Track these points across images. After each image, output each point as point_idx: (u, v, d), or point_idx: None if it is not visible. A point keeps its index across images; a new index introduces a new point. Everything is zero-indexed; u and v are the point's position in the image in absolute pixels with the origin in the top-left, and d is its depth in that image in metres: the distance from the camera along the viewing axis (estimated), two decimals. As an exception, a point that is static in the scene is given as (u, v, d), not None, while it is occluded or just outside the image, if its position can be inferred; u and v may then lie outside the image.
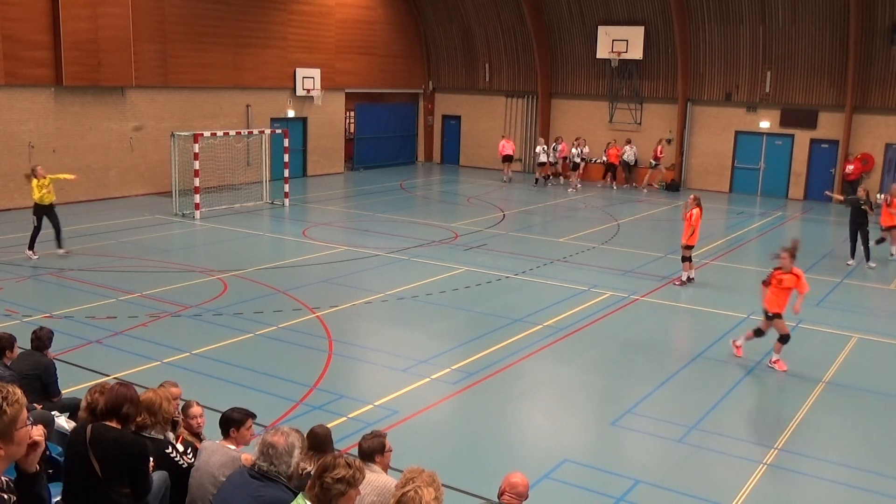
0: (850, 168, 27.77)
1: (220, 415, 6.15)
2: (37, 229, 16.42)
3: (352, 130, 32.82)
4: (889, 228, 19.10)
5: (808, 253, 20.03)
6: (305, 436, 5.72)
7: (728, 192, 30.23)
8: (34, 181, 16.36)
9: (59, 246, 16.79)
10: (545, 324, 13.20)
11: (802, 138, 29.29)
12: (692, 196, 16.11)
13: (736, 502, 7.83)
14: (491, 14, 33.27)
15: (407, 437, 8.76)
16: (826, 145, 28.81)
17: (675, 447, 9.03)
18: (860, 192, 19.44)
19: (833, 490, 8.27)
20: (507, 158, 31.45)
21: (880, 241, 19.31)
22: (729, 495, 7.93)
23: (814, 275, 17.61)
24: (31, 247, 16.47)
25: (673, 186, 30.33)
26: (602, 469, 8.48)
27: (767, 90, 29.39)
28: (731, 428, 9.64)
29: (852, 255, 18.61)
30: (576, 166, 30.49)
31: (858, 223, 18.39)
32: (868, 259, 18.31)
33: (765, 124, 29.77)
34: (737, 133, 30.38)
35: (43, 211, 16.44)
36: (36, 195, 16.37)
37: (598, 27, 31.03)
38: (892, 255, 19.31)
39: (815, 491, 8.30)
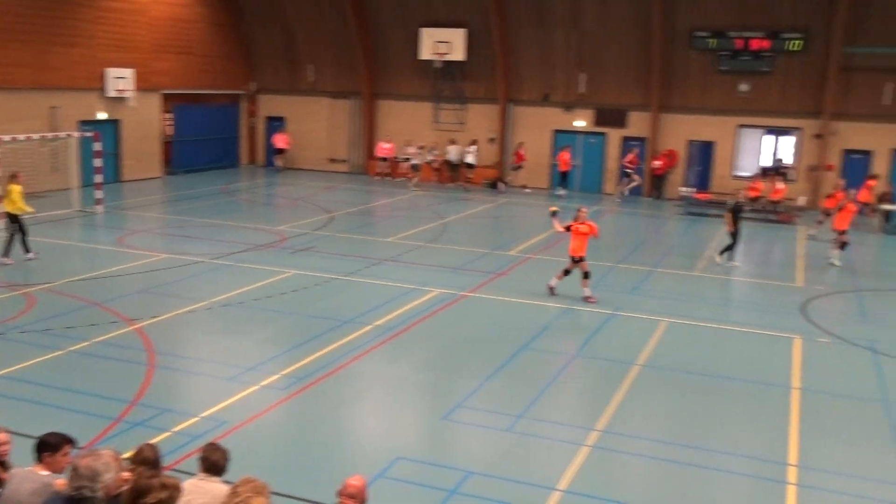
0: (657, 163, 29.66)
1: (35, 441, 5.69)
2: None
3: (170, 133, 31.48)
4: (842, 232, 19.30)
5: (622, 245, 21.23)
6: (135, 453, 5.44)
7: (546, 189, 31.43)
8: None
9: None
10: (375, 324, 13.21)
11: (614, 136, 30.96)
12: (581, 210, 15.64)
13: (562, 484, 8.15)
14: (313, 14, 32.93)
15: (238, 448, 8.44)
16: (635, 143, 30.59)
17: (504, 436, 9.29)
18: (740, 196, 20.14)
19: (651, 465, 8.78)
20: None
21: (842, 245, 19.44)
22: (555, 478, 8.25)
23: (629, 265, 18.68)
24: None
25: (494, 185, 31.20)
26: (434, 463, 8.58)
27: (582, 91, 30.84)
28: (556, 414, 10.04)
29: (722, 253, 19.17)
30: (416, 168, 30.86)
31: (737, 224, 18.76)
32: (722, 255, 19.13)
33: (580, 123, 31.24)
34: (554, 132, 31.68)
35: None
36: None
37: (421, 29, 31.43)
38: (834, 259, 19.41)
39: (635, 466, 8.77)
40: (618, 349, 12.51)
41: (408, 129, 33.12)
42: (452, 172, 31.83)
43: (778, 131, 29.51)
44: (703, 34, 28.63)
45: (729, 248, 18.88)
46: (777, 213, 26.05)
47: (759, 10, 27.87)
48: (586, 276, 14.96)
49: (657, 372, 11.60)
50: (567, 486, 8.14)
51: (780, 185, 26.38)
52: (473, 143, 31.51)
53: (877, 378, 11.67)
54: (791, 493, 8.19)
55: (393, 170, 32.87)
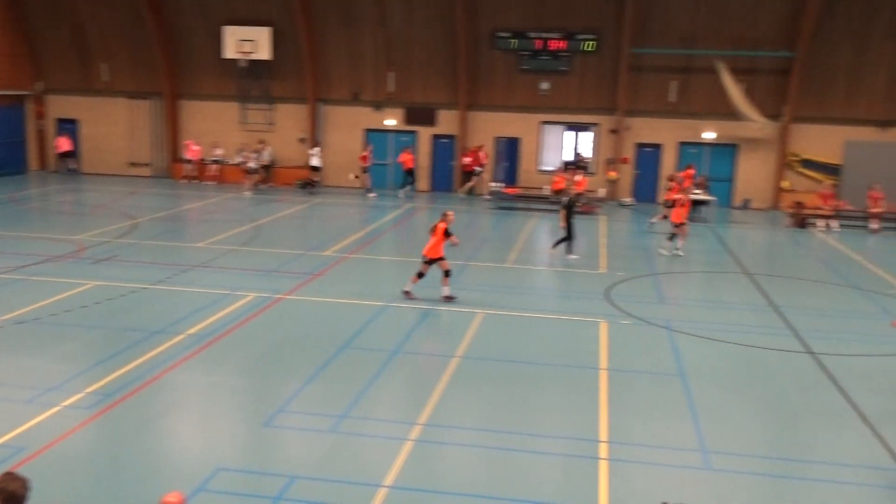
0: (467, 160, 30.45)
1: None
2: None
3: (-54, 138, 28.74)
4: (679, 225, 20.32)
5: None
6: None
7: (357, 188, 31.46)
8: None
9: None
10: (188, 332, 12.68)
11: (425, 134, 31.47)
12: (446, 213, 15.50)
13: (388, 480, 8.18)
14: (104, 9, 31.07)
15: (40, 475, 7.85)
16: (446, 140, 31.25)
17: (328, 437, 9.19)
18: (571, 193, 20.62)
19: (473, 453, 8.99)
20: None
21: (672, 236, 20.49)
22: (381, 474, 8.26)
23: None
24: None
25: (306, 185, 30.87)
26: (257, 471, 8.35)
27: (391, 90, 31.09)
28: (379, 411, 10.06)
29: (556, 246, 19.85)
30: (253, 171, 29.86)
31: (570, 219, 19.45)
32: (557, 249, 19.82)
33: (391, 122, 31.48)
34: (366, 131, 31.74)
35: None
36: None
37: (223, 27, 30.49)
38: (677, 249, 20.37)
39: (458, 456, 8.95)
40: (437, 343, 12.73)
41: (214, 130, 32.09)
42: (265, 174, 31.13)
43: (578, 127, 31.10)
44: (505, 35, 29.68)
45: (563, 241, 19.61)
46: (579, 205, 27.44)
47: (555, 12, 29.25)
48: (447, 274, 15.07)
49: (475, 362, 11.90)
50: (393, 481, 8.18)
51: (581, 178, 27.81)
52: (316, 145, 30.85)
53: (673, 354, 12.57)
54: (603, 467, 8.66)
55: (200, 173, 31.70)
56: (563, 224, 19.51)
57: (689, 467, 8.79)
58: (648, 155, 30.38)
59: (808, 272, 19.33)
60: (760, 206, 29.41)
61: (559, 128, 31.26)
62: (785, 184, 29.28)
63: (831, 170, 28.80)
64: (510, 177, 30.79)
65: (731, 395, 10.97)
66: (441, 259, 15.00)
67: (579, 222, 25.34)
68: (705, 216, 26.55)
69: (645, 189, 30.46)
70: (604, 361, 12.11)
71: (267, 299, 14.79)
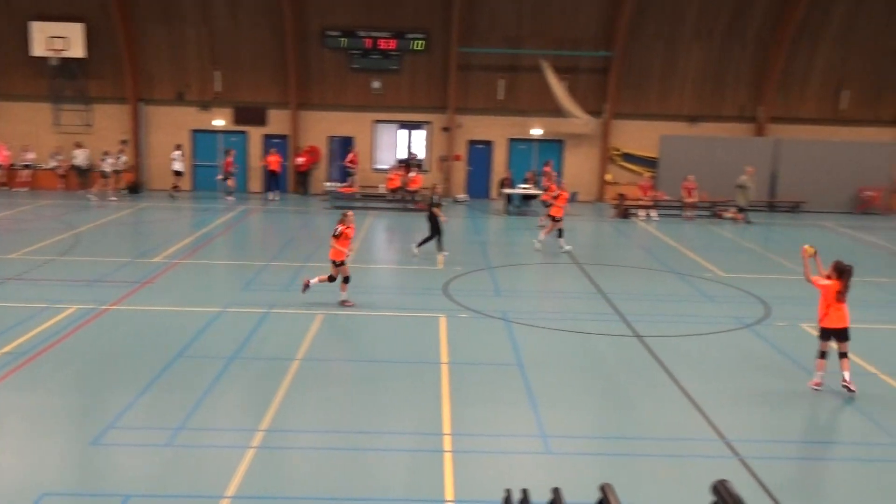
0: (300, 160, 30.01)
1: None
2: None
3: None
4: (556, 220, 20.51)
5: (273, 243, 21.14)
6: None
7: (190, 190, 30.33)
8: None
9: None
10: (3, 351, 11.73)
11: (256, 134, 30.74)
12: (345, 213, 15.12)
13: (230, 490, 7.89)
14: None
15: None
16: (278, 140, 30.65)
17: (164, 451, 8.76)
18: (436, 192, 20.42)
19: (318, 456, 8.83)
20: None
21: (560, 232, 20.67)
22: (223, 485, 7.96)
23: (281, 262, 18.66)
24: None
25: (134, 189, 29.43)
26: (88, 493, 7.83)
27: (218, 89, 30.12)
28: (218, 420, 9.70)
29: (420, 246, 19.70)
30: (105, 175, 27.88)
31: (434, 218, 19.45)
32: (441, 249, 19.71)
33: (219, 122, 30.52)
34: (193, 132, 30.61)
35: None
36: None
37: (30, 23, 28.48)
38: (561, 246, 20.70)
39: (302, 460, 8.76)
40: (276, 346, 12.43)
41: (24, 133, 29.93)
42: (82, 178, 29.36)
43: (410, 125, 31.36)
44: (335, 33, 29.48)
45: (427, 241, 19.60)
46: (415, 202, 27.69)
47: (384, 11, 29.35)
48: (346, 280, 14.76)
49: (317, 364, 11.72)
50: (235, 491, 7.90)
51: (415, 176, 28.09)
52: (178, 147, 29.17)
53: (511, 344, 12.90)
54: (448, 460, 8.74)
55: (10, 179, 29.50)
56: (444, 219, 19.69)
57: (530, 453, 9.04)
58: (480, 152, 31.11)
59: (631, 260, 20.41)
60: (586, 198, 30.78)
61: (393, 126, 31.40)
62: (608, 177, 30.81)
63: (649, 163, 30.57)
64: (345, 176, 30.62)
65: (566, 381, 11.38)
66: (343, 263, 14.63)
67: (416, 220, 25.57)
68: (536, 209, 27.46)
69: (478, 185, 31.16)
70: (444, 355, 12.25)
71: (91, 311, 13.93)
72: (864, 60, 30.00)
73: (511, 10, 29.17)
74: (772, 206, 30.23)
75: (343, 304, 14.80)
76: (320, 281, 14.86)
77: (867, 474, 8.87)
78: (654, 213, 27.51)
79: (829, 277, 11.33)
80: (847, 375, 10.99)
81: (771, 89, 29.93)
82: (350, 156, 29.90)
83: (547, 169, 27.98)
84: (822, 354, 11.25)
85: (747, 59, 29.95)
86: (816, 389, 11.18)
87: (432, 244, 19.69)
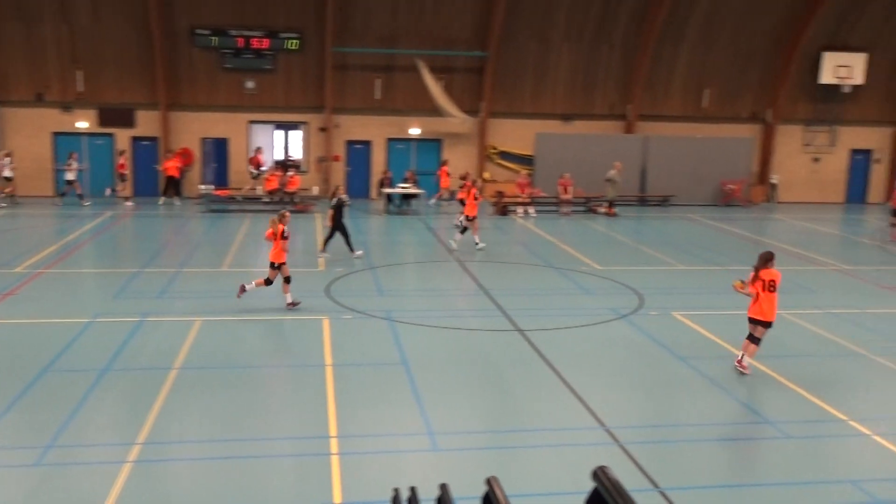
0: (171, 164, 29.02)
1: None
2: None
3: None
4: (472, 219, 20.68)
5: (145, 249, 20.40)
6: None
7: (49, 196, 28.84)
8: None
9: None
10: None
11: (123, 136, 29.53)
12: (283, 213, 14.76)
13: (106, 510, 7.54)
14: None
15: None
16: (147, 142, 29.55)
17: (33, 472, 8.27)
18: (339, 192, 19.94)
19: (200, 466, 8.55)
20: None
21: (464, 230, 20.87)
22: (99, 503, 7.60)
23: (154, 269, 17.99)
24: None
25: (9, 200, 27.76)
26: (-54, 523, 7.31)
27: (81, 90, 28.77)
28: (92, 435, 9.24)
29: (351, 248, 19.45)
30: (8, 179, 25.90)
31: (342, 219, 19.30)
32: (353, 250, 19.38)
33: (83, 124, 29.16)
34: (54, 135, 29.13)
35: None
36: None
37: None
38: (476, 243, 20.83)
39: (184, 471, 8.47)
40: (152, 356, 11.96)
41: None
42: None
43: (287, 126, 30.87)
44: (205, 32, 28.67)
45: (330, 240, 19.54)
46: (294, 204, 27.29)
47: (256, 9, 28.77)
48: (287, 280, 14.58)
49: (195, 373, 11.36)
50: (112, 509, 7.55)
51: (294, 177, 27.67)
52: (8, 155, 27.31)
53: (395, 344, 12.89)
54: (335, 462, 8.64)
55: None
56: (329, 223, 19.48)
57: (417, 451, 9.05)
58: (359, 152, 30.95)
59: (511, 256, 20.77)
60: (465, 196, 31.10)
61: (269, 127, 30.82)
62: (486, 175, 31.24)
63: (526, 160, 31.21)
64: (220, 178, 29.84)
65: (451, 378, 11.46)
66: (283, 264, 14.46)
67: (295, 222, 25.19)
68: (416, 208, 27.57)
69: (358, 185, 30.99)
70: (328, 357, 12.11)
71: (-54, 326, 13.02)
72: (723, 61, 31.59)
73: (385, 10, 29.15)
74: (642, 201, 31.42)
75: (289, 306, 14.57)
76: (257, 285, 14.60)
77: (737, 451, 9.34)
78: (531, 210, 28.10)
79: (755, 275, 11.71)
80: (745, 356, 11.71)
81: (638, 88, 31.11)
82: (253, 157, 29.31)
83: (442, 170, 28.44)
84: (754, 341, 11.81)
85: (615, 60, 31.02)
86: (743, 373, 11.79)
87: (342, 245, 19.51)
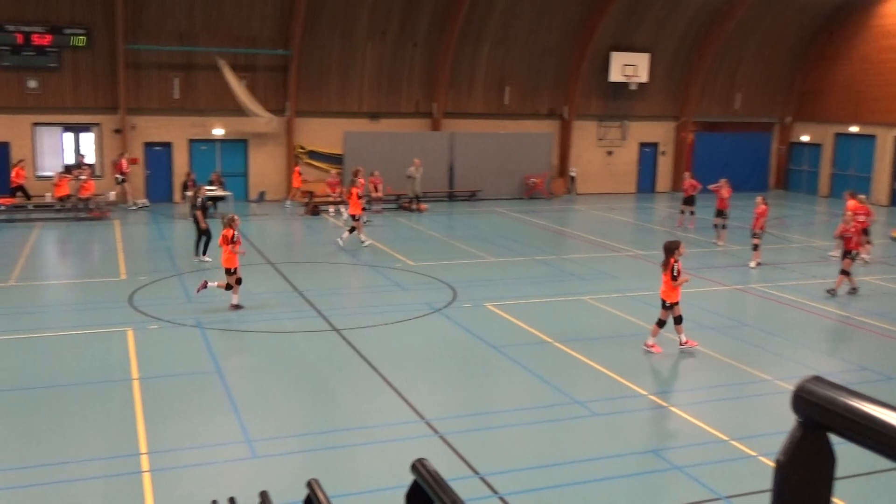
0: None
1: None
2: None
3: None
4: (356, 218, 21.06)
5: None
6: None
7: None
8: None
9: None
10: None
11: None
12: (232, 217, 14.89)
13: None
14: None
15: None
16: (-86, 149, 26.66)
17: None
18: (202, 192, 19.55)
19: (5, 497, 7.83)
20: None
21: (352, 229, 21.15)
22: None
23: (-73, 287, 16.28)
24: None
25: None
26: None
27: None
28: None
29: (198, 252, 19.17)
30: None
31: (199, 222, 18.94)
32: (204, 254, 19.04)
33: None
34: None
35: None
36: None
37: None
38: (362, 241, 21.16)
39: (-29, 510, 7.72)
40: (-71, 383, 10.80)
41: None
42: None
43: (77, 128, 28.89)
44: (-22, 26, 26.26)
45: (200, 244, 18.97)
46: (89, 210, 25.62)
47: (35, 3, 26.70)
48: (237, 282, 14.70)
49: (-17, 397, 10.37)
50: None
51: (87, 182, 25.96)
52: None
53: (208, 351, 12.40)
54: (147, 480, 8.18)
55: None
56: (204, 226, 18.99)
57: (235, 460, 8.74)
58: (159, 154, 29.50)
59: (325, 256, 20.57)
60: (275, 197, 30.51)
61: (56, 129, 28.71)
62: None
63: (335, 159, 31.01)
64: (2, 186, 27.47)
65: (269, 382, 11.18)
66: (236, 269, 14.60)
67: (92, 229, 23.67)
68: (223, 211, 26.68)
69: (158, 189, 29.54)
70: (135, 371, 11.45)
71: None
72: (521, 59, 32.87)
73: (181, 6, 27.95)
74: (451, 196, 32.12)
75: (235, 307, 14.67)
76: (219, 286, 14.69)
77: (550, 432, 9.73)
78: (343, 210, 27.96)
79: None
80: (682, 338, 12.68)
81: (443, 87, 31.73)
82: (122, 161, 27.46)
83: (297, 168, 28.49)
84: (678, 320, 12.64)
85: (419, 59, 31.47)
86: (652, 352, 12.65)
87: (149, 251, 18.74)
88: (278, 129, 30.20)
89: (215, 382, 11.06)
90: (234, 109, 29.05)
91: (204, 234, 19.19)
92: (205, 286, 14.66)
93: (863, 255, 19.81)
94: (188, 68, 28.85)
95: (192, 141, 29.70)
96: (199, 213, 19.14)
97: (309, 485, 3.58)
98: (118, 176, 27.86)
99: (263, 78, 29.76)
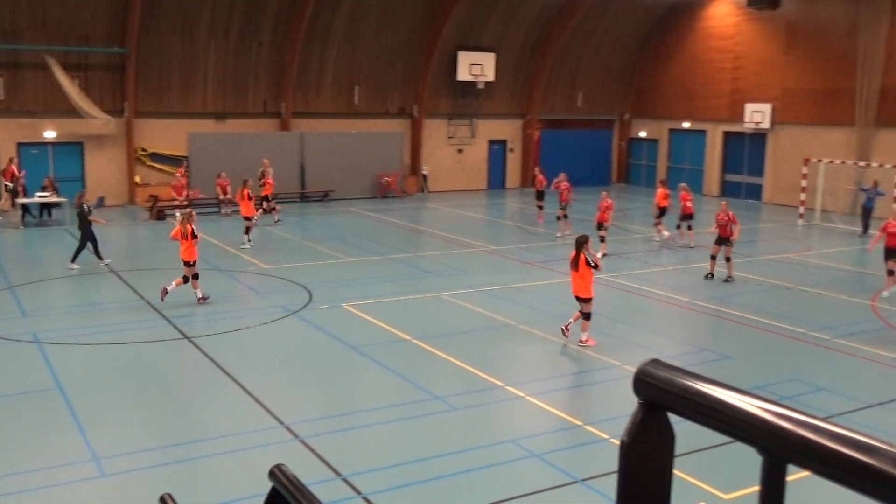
0: None
1: None
2: None
3: None
4: (249, 218, 21.60)
5: None
6: None
7: None
8: None
9: None
10: None
11: None
12: (190, 213, 15.73)
13: None
14: None
15: None
16: None
17: None
18: (86, 199, 18.78)
19: None
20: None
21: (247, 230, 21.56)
22: None
23: None
24: None
25: None
26: None
27: None
28: None
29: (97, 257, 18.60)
30: None
31: (86, 227, 18.35)
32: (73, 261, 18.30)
33: None
34: None
35: None
36: None
37: None
38: (244, 242, 21.46)
39: None
40: None
41: None
42: None
43: None
44: None
45: (80, 251, 18.24)
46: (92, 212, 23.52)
47: None
48: (195, 277, 15.20)
49: None
50: None
51: None
52: None
53: (48, 368, 11.68)
54: (-17, 510, 7.63)
55: None
56: (88, 233, 18.31)
57: (82, 480, 8.28)
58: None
59: (173, 262, 19.78)
60: (116, 202, 29.11)
61: None
62: (137, 178, 29.46)
63: (180, 161, 29.91)
64: None
65: (115, 397, 10.66)
66: (195, 262, 15.14)
67: None
68: (59, 218, 25.22)
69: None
70: (-35, 393, 10.63)
71: None
72: (369, 58, 32.82)
73: (4, 1, 26.15)
74: (303, 197, 31.69)
75: (201, 300, 15.18)
76: (177, 285, 14.99)
77: (411, 429, 9.79)
78: (276, 216, 27.00)
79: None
80: (583, 336, 12.99)
81: (290, 86, 31.22)
82: (9, 167, 25.53)
83: (180, 173, 27.08)
84: (587, 317, 13.06)
85: (265, 58, 30.82)
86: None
87: (91, 256, 18.14)
88: (116, 131, 28.80)
89: (57, 400, 10.44)
90: (67, 110, 27.47)
91: (89, 241, 18.44)
92: (166, 292, 14.96)
93: (663, 234, 22.98)
94: (14, 67, 27.04)
95: (20, 144, 27.84)
96: (92, 218, 18.62)
97: (161, 499, 3.43)
98: (7, 184, 25.98)
99: (98, 77, 28.30)
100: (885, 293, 16.99)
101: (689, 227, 22.23)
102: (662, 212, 23.15)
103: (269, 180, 26.20)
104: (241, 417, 9.97)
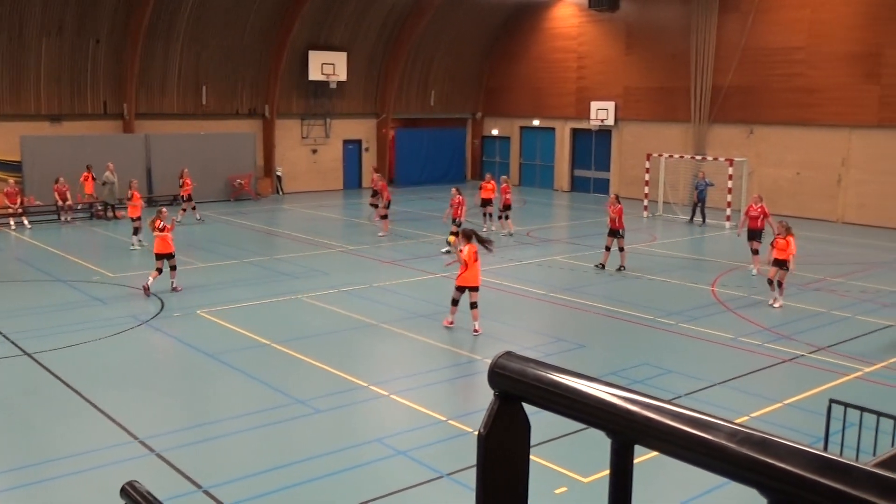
0: None
1: None
2: None
3: None
4: (134, 219, 21.47)
5: None
6: None
7: None
8: None
9: None
10: None
11: None
12: (162, 211, 16.66)
13: None
14: None
15: None
16: None
17: None
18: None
19: None
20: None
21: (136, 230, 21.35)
22: None
23: None
24: None
25: None
26: None
27: None
28: None
29: None
30: None
31: None
32: None
33: None
34: None
35: None
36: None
37: None
38: (139, 243, 21.26)
39: None
40: None
41: None
42: None
43: None
44: None
45: None
46: None
47: None
48: (173, 269, 16.34)
49: None
50: None
51: None
52: None
53: None
54: None
55: None
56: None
57: (-87, 515, 7.64)
58: None
59: (9, 273, 18.57)
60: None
61: None
62: (-34, 187, 27.41)
63: (12, 167, 28.05)
64: None
65: (-52, 422, 9.89)
66: (171, 255, 16.19)
67: None
68: None
69: None
70: None
71: None
72: (216, 58, 31.85)
73: None
74: (150, 202, 30.41)
75: (174, 289, 16.22)
76: (154, 279, 15.89)
77: (274, 435, 9.61)
78: (26, 221, 25.41)
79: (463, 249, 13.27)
80: (476, 324, 13.51)
81: (132, 86, 29.86)
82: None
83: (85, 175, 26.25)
84: (455, 303, 13.60)
85: (103, 57, 29.33)
86: (449, 328, 13.69)
87: None
88: (-60, 136, 26.69)
89: None
90: None
91: None
92: (148, 288, 15.88)
93: (504, 229, 23.88)
94: None
95: None
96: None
97: (123, 490, 3.22)
98: None
99: (-83, 78, 26.13)
100: (754, 270, 18.35)
101: (507, 217, 23.98)
102: (507, 206, 24.16)
103: (188, 181, 26.02)
104: (93, 435, 9.48)
